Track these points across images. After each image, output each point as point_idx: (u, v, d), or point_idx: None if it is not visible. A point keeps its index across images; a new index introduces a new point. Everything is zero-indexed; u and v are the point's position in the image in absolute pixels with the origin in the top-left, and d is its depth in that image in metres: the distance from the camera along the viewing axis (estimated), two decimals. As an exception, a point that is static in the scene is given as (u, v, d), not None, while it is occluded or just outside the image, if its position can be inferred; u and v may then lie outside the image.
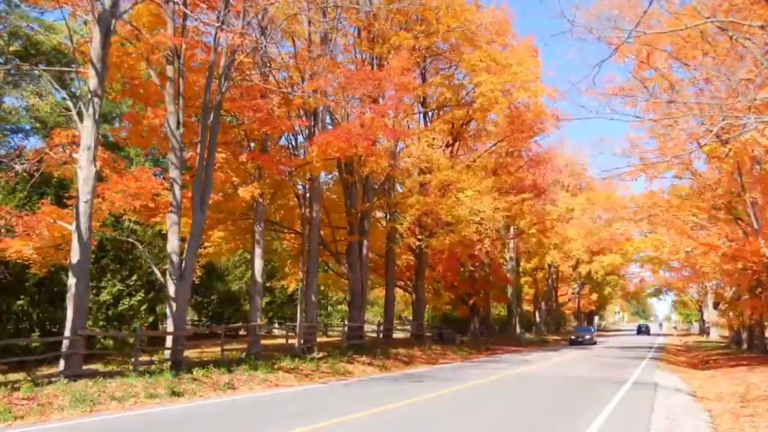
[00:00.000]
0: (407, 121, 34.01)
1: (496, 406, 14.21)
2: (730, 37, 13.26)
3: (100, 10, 16.55)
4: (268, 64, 24.44)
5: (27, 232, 18.82)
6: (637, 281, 76.83)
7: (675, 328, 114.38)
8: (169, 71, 19.73)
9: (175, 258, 19.27)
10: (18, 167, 17.56)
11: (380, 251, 35.38)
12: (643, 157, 22.64)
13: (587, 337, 50.34)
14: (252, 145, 25.00)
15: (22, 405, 12.40)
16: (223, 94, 19.85)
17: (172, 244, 19.43)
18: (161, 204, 21.50)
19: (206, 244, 28.21)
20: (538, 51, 33.31)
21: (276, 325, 46.09)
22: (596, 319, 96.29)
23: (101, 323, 26.93)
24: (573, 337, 50.68)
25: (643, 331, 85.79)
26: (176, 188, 19.59)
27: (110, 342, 25.84)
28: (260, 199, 23.71)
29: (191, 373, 17.05)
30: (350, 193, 29.80)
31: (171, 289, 19.21)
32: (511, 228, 47.13)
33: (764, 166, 23.69)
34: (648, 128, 22.44)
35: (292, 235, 32.88)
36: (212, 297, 39.75)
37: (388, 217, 34.95)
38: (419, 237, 33.33)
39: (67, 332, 15.87)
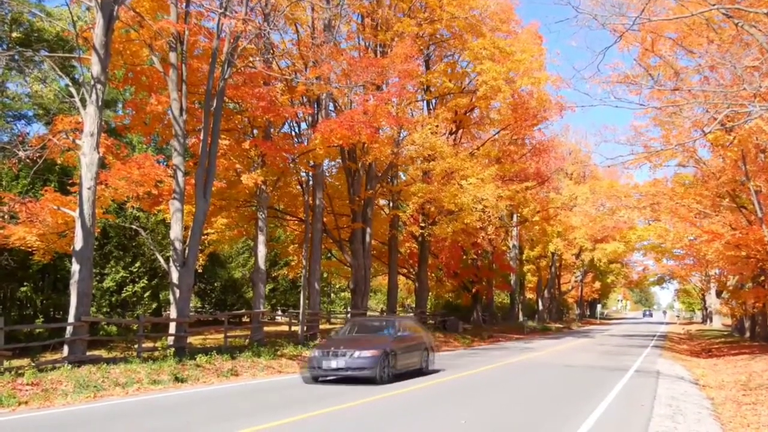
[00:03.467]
0: (410, 109, 33.91)
1: (501, 392, 14.25)
2: (736, 25, 13.15)
3: (102, -4, 16.48)
4: (272, 51, 24.36)
5: (30, 219, 18.89)
6: (640, 269, 77.09)
7: (678, 316, 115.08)
8: (172, 58, 19.68)
9: (178, 245, 19.33)
10: (21, 154, 17.52)
11: (383, 239, 35.42)
12: (647, 145, 22.50)
13: (360, 360, 14.34)
14: (255, 132, 25.00)
15: (27, 390, 12.49)
16: (226, 81, 19.82)
17: (176, 231, 19.48)
18: (164, 191, 21.56)
19: (209, 231, 28.26)
20: (543, 38, 33.15)
21: (279, 313, 46.29)
22: (599, 307, 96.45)
23: (105, 310, 27.05)
24: (315, 355, 15.07)
25: (647, 315, 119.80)
26: (179, 175, 19.60)
27: (114, 328, 25.98)
28: (263, 186, 23.72)
29: (194, 359, 17.14)
30: (353, 181, 29.77)
31: (174, 276, 19.29)
32: (514, 216, 47.04)
33: (769, 154, 23.61)
34: (652, 116, 22.32)
35: (295, 222, 32.94)
36: (215, 284, 39.83)
37: (391, 204, 34.94)
38: (422, 225, 33.33)
39: (70, 318, 15.95)
